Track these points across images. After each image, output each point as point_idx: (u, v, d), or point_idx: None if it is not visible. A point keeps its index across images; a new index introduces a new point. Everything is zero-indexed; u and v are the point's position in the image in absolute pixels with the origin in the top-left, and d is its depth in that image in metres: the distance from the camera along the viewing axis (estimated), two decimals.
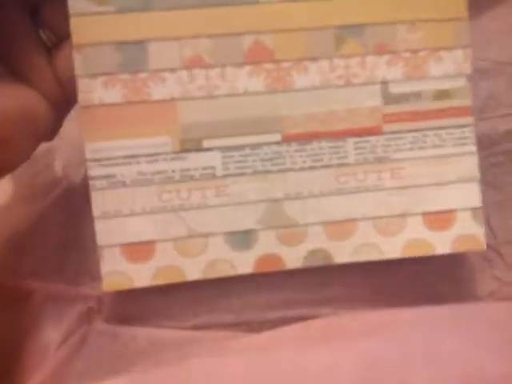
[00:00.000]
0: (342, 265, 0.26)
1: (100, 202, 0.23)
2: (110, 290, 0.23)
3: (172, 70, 0.23)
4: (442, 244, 0.25)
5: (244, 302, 0.26)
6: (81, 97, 0.23)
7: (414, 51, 0.24)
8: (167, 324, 0.26)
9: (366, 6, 0.24)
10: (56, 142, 0.25)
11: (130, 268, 0.23)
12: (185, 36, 0.23)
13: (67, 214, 0.26)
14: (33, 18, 0.23)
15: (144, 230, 0.23)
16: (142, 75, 0.23)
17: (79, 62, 0.22)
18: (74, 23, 0.22)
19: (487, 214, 0.28)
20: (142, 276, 0.23)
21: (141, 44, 0.23)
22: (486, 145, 0.28)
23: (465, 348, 0.20)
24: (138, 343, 0.25)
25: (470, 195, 0.25)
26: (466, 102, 0.25)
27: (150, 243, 0.23)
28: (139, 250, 0.23)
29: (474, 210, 0.25)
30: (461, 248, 0.25)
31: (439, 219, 0.25)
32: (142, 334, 0.26)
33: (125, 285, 0.23)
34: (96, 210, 0.23)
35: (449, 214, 0.25)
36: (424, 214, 0.25)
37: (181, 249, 0.24)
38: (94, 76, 0.23)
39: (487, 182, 0.28)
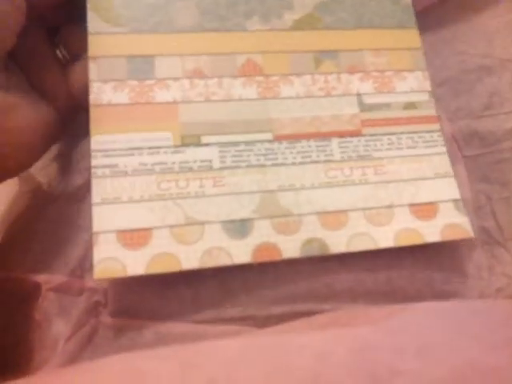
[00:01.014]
0: (346, 260, 0.26)
1: (100, 189, 0.24)
2: (101, 277, 0.22)
3: (175, 79, 0.26)
4: (431, 233, 0.26)
5: (249, 296, 0.25)
6: (92, 97, 0.25)
7: (381, 71, 0.28)
8: (173, 318, 0.25)
9: (337, 36, 0.29)
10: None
11: (125, 255, 0.23)
12: (187, 53, 0.27)
13: (72, 208, 0.26)
14: (51, 37, 0.26)
15: (141, 216, 0.24)
16: (149, 82, 0.26)
17: (93, 70, 0.25)
18: (92, 40, 0.26)
19: (494, 210, 0.28)
20: (136, 263, 0.23)
21: (148, 58, 0.26)
22: (491, 141, 0.29)
23: (458, 341, 0.20)
24: (144, 337, 0.24)
25: (449, 189, 0.27)
26: (431, 112, 0.28)
27: (147, 230, 0.23)
28: (135, 237, 0.23)
29: (455, 201, 0.26)
30: (450, 236, 0.26)
31: (424, 210, 0.26)
32: (148, 327, 0.24)
33: (117, 272, 0.23)
34: (96, 196, 0.24)
35: (432, 206, 0.26)
36: (410, 205, 0.26)
37: (177, 236, 0.24)
38: (105, 81, 0.25)
39: (493, 178, 0.29)
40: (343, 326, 0.22)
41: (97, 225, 0.23)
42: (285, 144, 0.26)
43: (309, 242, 0.25)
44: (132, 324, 0.25)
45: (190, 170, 0.25)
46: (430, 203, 0.26)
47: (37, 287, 0.23)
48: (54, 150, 0.28)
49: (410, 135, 0.28)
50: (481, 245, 0.28)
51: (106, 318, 0.25)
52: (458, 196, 0.27)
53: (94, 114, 0.25)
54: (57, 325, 0.23)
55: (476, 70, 0.31)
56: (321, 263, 0.26)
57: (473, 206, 0.27)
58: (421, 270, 0.27)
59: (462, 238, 0.26)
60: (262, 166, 0.26)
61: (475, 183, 0.29)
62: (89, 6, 0.26)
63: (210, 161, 0.25)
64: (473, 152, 0.30)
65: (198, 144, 0.25)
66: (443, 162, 0.27)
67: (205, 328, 0.25)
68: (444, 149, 0.28)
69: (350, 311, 0.25)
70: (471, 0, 0.32)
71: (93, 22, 0.26)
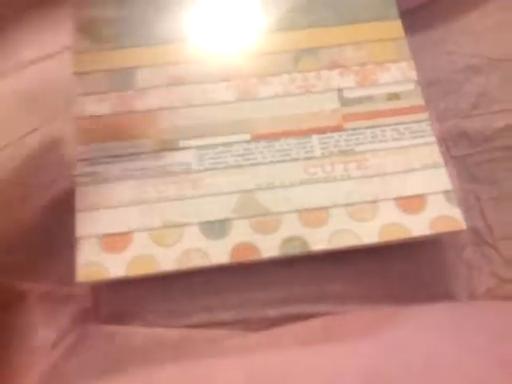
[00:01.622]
0: (338, 263, 0.26)
1: (83, 196, 0.25)
2: (84, 280, 0.23)
3: (155, 87, 0.27)
4: (419, 226, 0.24)
5: (241, 299, 0.25)
6: (76, 110, 0.26)
7: (362, 64, 0.28)
8: (163, 323, 0.25)
9: (317, 34, 0.28)
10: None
11: (106, 258, 0.24)
12: (166, 63, 0.28)
13: (61, 214, 0.27)
14: None
15: (122, 221, 0.24)
16: (130, 92, 0.27)
17: (78, 84, 0.27)
18: (77, 57, 0.27)
19: (483, 210, 0.28)
20: (117, 266, 0.23)
21: (129, 70, 0.27)
22: (479, 141, 0.29)
23: (466, 359, 0.19)
24: (133, 342, 0.24)
25: (439, 180, 0.25)
26: (418, 101, 0.27)
27: (127, 234, 0.24)
28: (116, 241, 0.24)
29: (445, 192, 0.25)
30: (440, 229, 0.24)
31: (412, 203, 0.25)
32: (137, 333, 0.25)
33: (99, 275, 0.23)
34: (79, 203, 0.25)
35: (420, 198, 0.25)
36: (396, 199, 0.25)
37: (156, 238, 0.24)
38: (88, 94, 0.27)
39: (482, 178, 0.28)
40: (344, 336, 0.22)
41: (80, 230, 0.24)
42: (263, 143, 0.26)
43: (288, 240, 0.24)
44: (122, 330, 0.25)
45: (169, 173, 0.25)
46: (418, 196, 0.25)
47: (21, 295, 0.24)
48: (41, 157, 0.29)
49: (396, 127, 0.27)
50: (470, 245, 0.27)
51: (95, 325, 0.25)
52: (448, 187, 0.25)
53: (78, 126, 0.26)
54: (41, 333, 0.24)
55: (464, 69, 0.30)
56: (314, 266, 0.26)
57: (462, 206, 0.25)
58: (412, 271, 0.26)
59: (453, 229, 0.24)
60: (240, 166, 0.26)
61: (464, 183, 0.28)
62: (76, 25, 0.28)
63: (189, 164, 0.26)
64: (461, 152, 0.29)
65: (177, 148, 0.26)
66: (432, 152, 0.26)
67: (195, 332, 0.25)
68: (433, 138, 0.26)
69: (345, 315, 0.24)
70: (460, 0, 0.32)
71: (79, 41, 0.28)
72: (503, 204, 0.28)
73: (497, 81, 0.30)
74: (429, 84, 0.31)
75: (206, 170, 0.25)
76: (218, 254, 0.24)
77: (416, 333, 0.20)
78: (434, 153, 0.26)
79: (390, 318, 0.23)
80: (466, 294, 0.26)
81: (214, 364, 0.20)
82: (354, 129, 0.27)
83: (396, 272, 0.26)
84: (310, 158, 0.26)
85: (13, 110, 0.28)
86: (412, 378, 0.19)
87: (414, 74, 0.28)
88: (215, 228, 0.24)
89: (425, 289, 0.26)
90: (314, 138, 0.26)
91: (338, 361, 0.20)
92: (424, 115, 0.27)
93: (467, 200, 0.28)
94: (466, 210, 0.27)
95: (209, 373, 0.21)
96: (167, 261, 0.24)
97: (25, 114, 0.28)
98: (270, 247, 0.24)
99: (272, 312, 0.25)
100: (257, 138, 0.26)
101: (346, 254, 0.25)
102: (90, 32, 0.28)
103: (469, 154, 0.29)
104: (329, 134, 0.26)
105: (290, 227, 0.24)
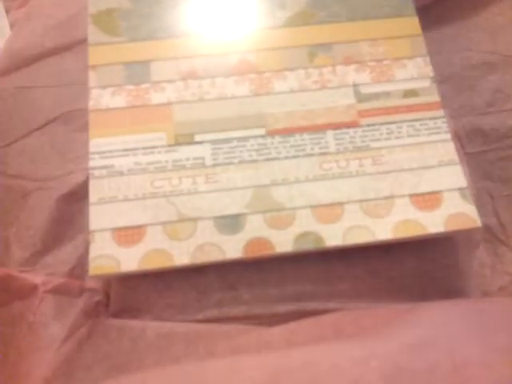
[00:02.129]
0: (350, 260, 0.26)
1: (97, 189, 0.25)
2: (96, 273, 0.23)
3: (170, 81, 0.27)
4: (434, 224, 0.24)
5: (253, 294, 0.25)
6: (91, 103, 0.26)
7: (379, 60, 0.28)
8: (176, 317, 0.25)
9: (331, 30, 0.28)
10: None
11: (119, 251, 0.24)
12: (181, 56, 0.27)
13: (72, 207, 0.27)
14: None
15: (135, 214, 0.24)
16: (145, 86, 0.27)
17: (93, 77, 0.27)
18: (92, 50, 0.27)
19: (496, 207, 0.28)
20: (129, 259, 0.23)
21: (144, 63, 0.27)
22: (494, 138, 0.29)
23: (492, 357, 0.19)
24: (146, 337, 0.24)
25: (455, 177, 0.25)
26: (434, 98, 0.27)
27: (141, 227, 0.24)
28: (130, 234, 0.24)
29: (461, 190, 0.25)
30: (455, 226, 0.24)
31: (427, 200, 0.25)
32: (150, 327, 0.24)
33: (112, 269, 0.23)
34: (93, 196, 0.25)
35: (435, 195, 0.25)
36: (411, 195, 0.25)
37: (170, 232, 0.24)
38: (103, 87, 0.27)
39: (496, 175, 0.28)
40: (356, 332, 0.22)
41: (93, 223, 0.24)
42: (278, 138, 0.26)
43: (302, 235, 0.24)
44: (134, 324, 0.25)
45: (183, 167, 0.25)
46: (434, 192, 0.25)
47: (34, 289, 0.24)
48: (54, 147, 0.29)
49: (412, 123, 0.26)
50: (483, 243, 0.27)
51: (106, 319, 0.25)
52: (464, 184, 0.25)
53: (92, 118, 0.26)
54: (52, 327, 0.23)
55: (479, 66, 0.30)
56: (324, 263, 0.26)
57: (475, 203, 0.25)
58: (424, 269, 0.26)
59: (467, 227, 0.24)
60: (255, 161, 0.25)
61: (477, 181, 0.28)
62: (90, 19, 0.28)
63: (203, 158, 0.25)
64: (475, 149, 0.29)
65: (191, 142, 0.26)
66: (448, 149, 0.26)
67: (208, 327, 0.25)
68: (448, 135, 0.26)
69: (356, 311, 0.24)
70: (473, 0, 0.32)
71: (93, 34, 0.28)
72: None
73: None
74: (443, 80, 0.30)
75: (221, 164, 0.25)
76: (232, 248, 0.24)
77: (437, 331, 0.19)
78: (449, 150, 0.26)
79: (404, 316, 0.22)
80: (479, 291, 0.26)
81: (233, 362, 0.20)
82: (370, 125, 0.26)
83: (408, 269, 0.26)
84: (325, 154, 0.26)
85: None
86: (440, 378, 0.18)
87: (430, 71, 0.28)
88: (229, 223, 0.24)
89: (437, 287, 0.26)
90: (329, 134, 0.26)
91: (360, 361, 0.19)
92: (440, 112, 0.27)
93: (481, 197, 0.28)
94: (480, 208, 0.27)
95: (229, 370, 0.21)
96: (181, 255, 0.24)
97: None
98: (283, 242, 0.24)
99: (283, 308, 0.25)
100: (272, 133, 0.26)
101: (358, 251, 0.25)
102: (104, 25, 0.28)
103: (483, 151, 0.29)
104: (344, 130, 0.26)
105: (304, 223, 0.24)
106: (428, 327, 0.20)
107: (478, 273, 0.26)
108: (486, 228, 0.27)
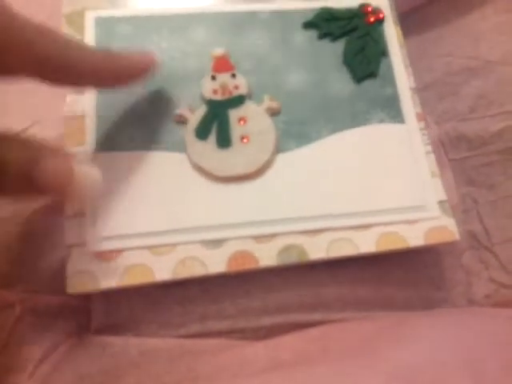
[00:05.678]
0: (334, 270, 0.26)
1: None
2: (74, 291, 0.22)
3: None
4: (415, 237, 0.24)
5: (237, 308, 0.25)
6: (65, 110, 0.25)
7: None
8: (159, 333, 0.24)
9: None
10: None
11: (98, 267, 0.23)
12: None
13: (53, 221, 0.25)
14: None
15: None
16: None
17: None
18: None
19: (480, 213, 0.28)
20: (109, 275, 0.23)
21: None
22: (477, 144, 0.29)
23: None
24: (128, 354, 0.23)
25: (435, 190, 0.26)
26: (416, 109, 0.27)
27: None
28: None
29: (441, 203, 0.25)
30: (434, 240, 0.24)
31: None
32: (132, 344, 0.24)
33: (90, 286, 0.22)
34: (68, 210, 0.23)
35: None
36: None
37: (150, 247, 0.23)
38: (79, 92, 0.25)
39: (480, 181, 0.28)
40: (344, 349, 0.21)
41: (69, 237, 0.23)
42: None
43: (286, 249, 0.24)
44: (116, 341, 0.24)
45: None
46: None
47: (10, 306, 0.23)
48: None
49: None
50: (468, 250, 0.27)
51: (87, 336, 0.24)
52: (443, 197, 0.25)
53: (67, 126, 0.25)
54: (29, 348, 0.22)
55: (462, 72, 0.30)
56: (309, 273, 0.26)
57: (459, 209, 0.25)
58: (409, 278, 0.26)
59: (445, 241, 0.25)
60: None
61: (461, 187, 0.28)
62: (64, 20, 0.27)
63: None
64: (459, 155, 0.29)
65: None
66: (429, 162, 0.26)
67: (191, 343, 0.24)
68: (429, 147, 0.26)
69: (341, 325, 0.24)
70: (457, 2, 0.31)
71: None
72: (500, 208, 0.28)
73: (494, 83, 0.29)
74: (425, 86, 0.30)
75: None
76: (215, 262, 0.23)
77: (423, 357, 0.19)
78: (431, 162, 0.26)
79: (393, 331, 0.22)
80: (465, 300, 0.26)
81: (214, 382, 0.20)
82: None
83: (393, 278, 0.26)
84: None
85: None
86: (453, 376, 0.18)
87: (412, 82, 0.28)
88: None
89: (422, 296, 0.26)
90: None
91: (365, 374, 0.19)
92: (420, 124, 0.27)
93: (465, 203, 0.28)
94: (464, 214, 0.27)
95: None
96: (162, 270, 0.23)
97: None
98: (267, 256, 0.24)
99: (268, 320, 0.25)
100: None
101: (343, 260, 0.25)
102: (78, 26, 0.27)
103: (467, 157, 0.29)
104: None
105: (288, 236, 0.24)
106: (423, 345, 0.19)
107: (463, 281, 0.27)
108: (471, 234, 0.27)
